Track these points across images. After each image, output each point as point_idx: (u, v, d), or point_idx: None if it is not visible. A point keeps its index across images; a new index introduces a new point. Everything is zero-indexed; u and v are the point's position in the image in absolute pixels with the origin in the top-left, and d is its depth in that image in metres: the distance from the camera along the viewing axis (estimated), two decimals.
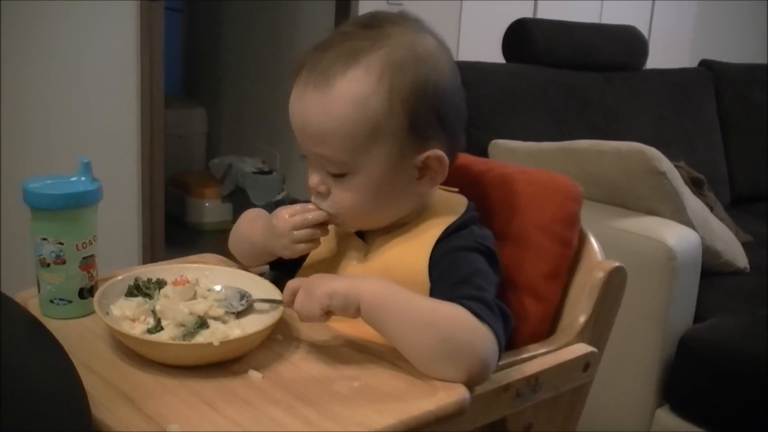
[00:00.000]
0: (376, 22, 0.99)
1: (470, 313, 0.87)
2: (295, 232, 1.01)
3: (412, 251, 1.00)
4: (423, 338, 0.86)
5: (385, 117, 0.94)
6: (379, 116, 0.94)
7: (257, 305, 0.98)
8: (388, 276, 0.95)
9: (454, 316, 0.87)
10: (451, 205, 1.05)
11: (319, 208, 1.01)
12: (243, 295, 0.99)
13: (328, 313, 0.89)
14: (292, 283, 0.92)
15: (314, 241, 1.03)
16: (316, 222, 1.01)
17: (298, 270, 1.10)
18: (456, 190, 1.08)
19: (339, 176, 0.98)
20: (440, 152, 0.98)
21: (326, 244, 1.09)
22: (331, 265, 1.07)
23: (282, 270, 1.13)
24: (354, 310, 0.88)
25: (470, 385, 0.86)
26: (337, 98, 0.94)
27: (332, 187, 0.99)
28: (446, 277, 0.95)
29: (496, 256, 1.01)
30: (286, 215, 1.02)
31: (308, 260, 1.10)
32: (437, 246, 0.99)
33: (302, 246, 1.02)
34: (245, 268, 1.11)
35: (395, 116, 0.94)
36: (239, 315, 0.96)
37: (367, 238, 1.07)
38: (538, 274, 1.09)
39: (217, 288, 1.01)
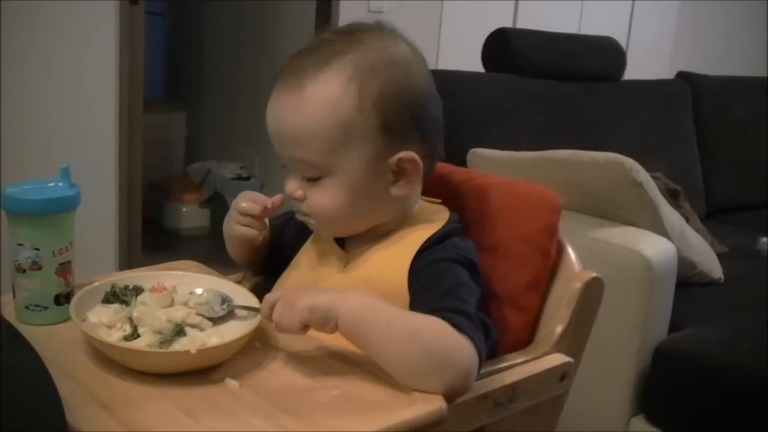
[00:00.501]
0: (352, 30, 1.01)
1: (452, 327, 0.87)
2: (237, 212, 1.09)
3: (393, 261, 1.00)
4: (405, 353, 0.86)
5: (357, 118, 0.95)
6: (351, 117, 0.95)
7: (237, 312, 0.97)
8: (368, 286, 0.96)
9: (437, 329, 0.87)
10: (433, 216, 1.05)
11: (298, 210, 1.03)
12: (224, 300, 0.99)
13: (306, 327, 0.88)
14: (270, 297, 0.91)
15: (252, 227, 1.09)
16: (248, 212, 1.08)
17: (279, 280, 1.10)
18: (439, 201, 1.08)
19: (315, 180, 0.98)
20: (413, 154, 0.99)
21: (306, 254, 1.09)
22: (311, 274, 1.07)
23: (270, 272, 1.14)
24: (332, 326, 0.88)
25: (451, 397, 0.86)
26: (309, 100, 0.95)
27: (308, 191, 1.00)
28: (428, 288, 0.95)
29: (478, 268, 1.01)
30: (240, 197, 1.09)
31: (292, 264, 1.11)
32: (418, 257, 0.99)
33: (240, 228, 1.09)
34: (223, 276, 1.10)
35: (367, 117, 0.95)
36: (217, 322, 0.96)
37: (347, 247, 1.07)
38: (518, 285, 1.09)
39: (199, 291, 1.01)
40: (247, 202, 1.09)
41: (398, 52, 0.99)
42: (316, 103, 0.95)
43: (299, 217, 1.04)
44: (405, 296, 0.97)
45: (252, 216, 1.09)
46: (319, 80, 0.95)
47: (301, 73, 0.96)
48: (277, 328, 0.90)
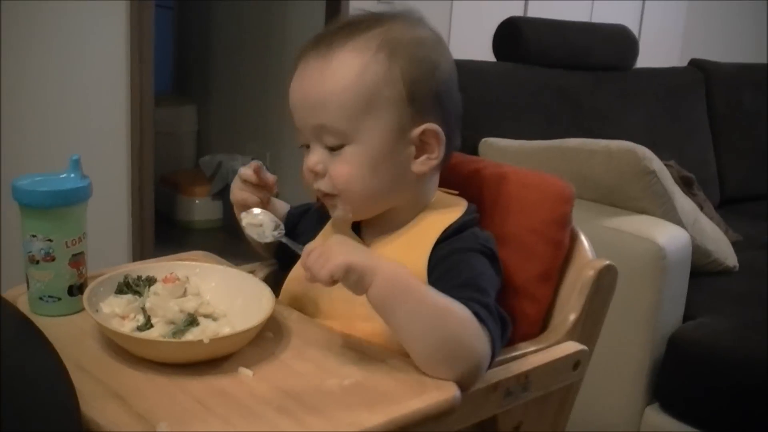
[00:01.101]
0: (380, 12, 1.02)
1: (475, 317, 0.87)
2: (238, 178, 1.09)
3: (411, 251, 1.00)
4: (428, 333, 0.86)
5: (383, 86, 0.96)
6: (377, 84, 0.96)
7: (245, 300, 0.97)
8: None
9: (462, 317, 0.87)
10: (451, 206, 1.05)
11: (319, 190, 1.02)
12: (277, 227, 1.00)
13: (334, 282, 0.87)
14: (311, 245, 0.90)
15: (248, 196, 1.09)
16: (244, 178, 1.09)
17: (293, 269, 1.10)
18: (456, 192, 1.08)
19: (337, 149, 0.98)
20: (436, 126, 0.99)
21: (326, 238, 1.09)
22: None
23: (284, 261, 1.14)
24: (363, 290, 0.87)
25: (459, 386, 0.86)
26: (336, 65, 0.96)
27: (330, 165, 0.99)
28: (448, 278, 0.95)
29: (498, 258, 1.01)
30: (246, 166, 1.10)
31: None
32: (437, 247, 0.99)
33: (240, 193, 1.09)
34: (236, 266, 1.11)
35: (393, 86, 0.96)
36: (229, 312, 0.95)
37: (364, 238, 1.07)
38: (531, 276, 1.09)
39: (256, 211, 1.04)
40: (247, 169, 1.09)
41: (426, 33, 1.02)
42: (343, 67, 0.96)
43: (319, 195, 1.03)
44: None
45: (250, 183, 1.09)
46: (347, 48, 0.97)
47: (329, 42, 0.98)
48: (306, 275, 0.89)
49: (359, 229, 1.08)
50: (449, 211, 1.04)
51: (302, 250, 0.91)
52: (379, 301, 0.87)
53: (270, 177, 1.10)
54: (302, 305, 1.06)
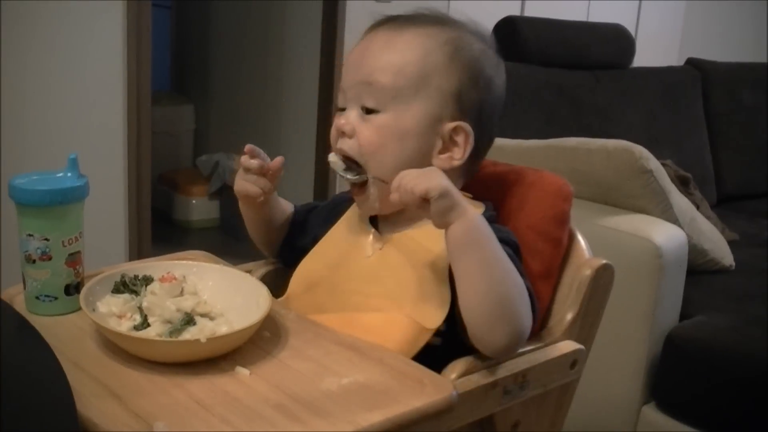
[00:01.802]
0: (460, 20, 1.09)
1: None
2: (242, 168, 1.07)
3: (434, 244, 1.00)
4: (494, 288, 0.88)
5: (438, 74, 1.01)
6: (434, 70, 1.01)
7: (243, 300, 0.96)
8: (405, 268, 0.99)
9: (520, 283, 0.91)
10: (473, 203, 1.07)
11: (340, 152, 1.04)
12: (347, 168, 1.03)
13: (423, 202, 0.89)
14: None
15: (256, 184, 1.07)
16: (247, 167, 1.06)
17: (305, 256, 1.11)
18: (470, 196, 1.09)
19: (371, 113, 1.01)
20: (469, 126, 1.02)
21: (338, 232, 1.10)
22: (342, 253, 1.08)
23: (289, 259, 1.15)
24: (446, 221, 0.89)
25: (499, 352, 0.91)
26: (406, 39, 1.02)
27: (359, 127, 1.02)
28: None
29: (520, 250, 1.03)
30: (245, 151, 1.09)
31: (318, 246, 1.11)
32: None
33: (244, 184, 1.07)
34: (233, 266, 1.11)
35: (447, 78, 1.01)
36: (226, 311, 0.95)
37: (382, 233, 1.08)
38: (531, 275, 1.08)
39: (332, 157, 1.05)
40: (247, 159, 1.07)
41: (491, 53, 1.08)
42: (411, 43, 1.01)
43: (337, 153, 1.04)
44: (443, 280, 0.97)
45: (253, 172, 1.07)
46: (420, 31, 1.03)
47: (404, 21, 1.04)
48: (398, 186, 0.90)
49: (377, 226, 1.09)
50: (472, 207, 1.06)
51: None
52: (458, 240, 0.89)
53: (276, 160, 1.08)
54: (315, 294, 1.07)
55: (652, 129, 2.84)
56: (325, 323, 0.99)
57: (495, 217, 1.06)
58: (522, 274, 0.96)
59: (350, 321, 0.99)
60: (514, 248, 1.01)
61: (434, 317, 0.95)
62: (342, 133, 1.03)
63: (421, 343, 0.96)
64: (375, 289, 1.01)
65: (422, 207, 0.89)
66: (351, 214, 1.13)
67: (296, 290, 1.09)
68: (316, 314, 1.03)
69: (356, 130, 1.02)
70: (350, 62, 1.05)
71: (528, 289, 0.95)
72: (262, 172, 1.07)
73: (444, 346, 0.97)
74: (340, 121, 1.03)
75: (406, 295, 0.98)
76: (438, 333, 0.97)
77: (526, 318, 0.91)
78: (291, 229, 1.19)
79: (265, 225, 1.17)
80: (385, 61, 1.01)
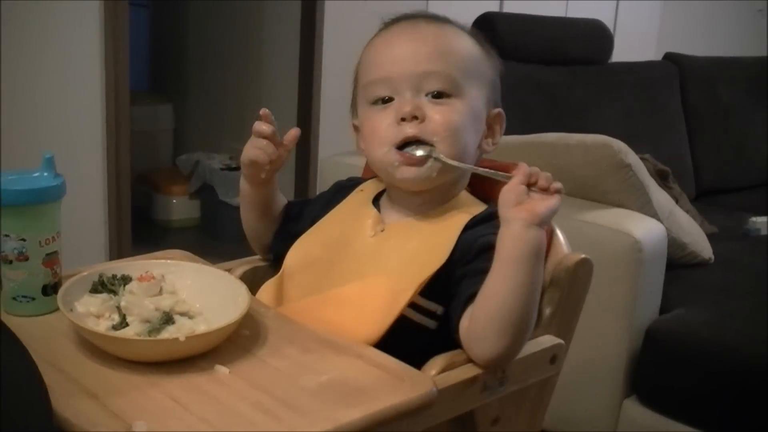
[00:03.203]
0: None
1: None
2: (253, 134, 1.08)
3: (437, 234, 1.02)
4: (530, 300, 0.90)
5: (484, 63, 1.10)
6: (482, 58, 1.10)
7: (221, 298, 0.96)
8: (405, 253, 1.01)
9: (536, 309, 0.93)
10: (477, 203, 1.09)
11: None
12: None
13: (521, 197, 0.91)
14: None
15: (265, 151, 1.07)
16: (261, 133, 1.07)
17: (304, 234, 1.12)
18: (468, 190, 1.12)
19: (439, 97, 1.03)
20: (503, 112, 1.12)
21: (340, 214, 1.12)
22: (342, 233, 1.09)
23: (282, 248, 1.14)
24: (541, 221, 0.90)
25: (489, 362, 0.92)
26: (455, 30, 1.09)
27: (430, 111, 1.03)
28: (489, 258, 0.95)
29: None
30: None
31: (317, 226, 1.12)
32: (465, 232, 1.02)
33: (253, 150, 1.08)
34: (212, 264, 1.10)
35: (489, 66, 1.10)
36: (205, 310, 0.95)
37: (384, 219, 1.09)
38: None
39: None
40: (260, 124, 1.08)
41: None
42: (460, 34, 1.09)
43: (410, 135, 1.03)
44: (437, 264, 0.98)
45: (265, 137, 1.07)
46: (454, 26, 1.10)
47: (437, 17, 1.10)
48: (531, 174, 0.92)
49: (378, 210, 1.11)
50: (475, 205, 1.09)
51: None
52: (530, 249, 0.90)
53: (292, 132, 1.10)
54: (311, 273, 1.07)
55: (631, 124, 2.86)
56: (306, 306, 1.01)
57: (495, 215, 1.07)
58: None
59: (330, 298, 1.01)
60: None
61: (417, 276, 0.98)
62: (412, 118, 1.02)
63: (401, 305, 0.97)
64: (373, 268, 1.03)
65: (520, 199, 0.91)
66: (353, 198, 1.15)
67: (292, 268, 1.09)
68: (305, 297, 1.04)
69: (426, 114, 1.02)
70: (394, 54, 1.05)
71: None
72: (273, 139, 1.07)
73: (439, 330, 0.99)
74: (408, 106, 1.02)
75: (404, 275, 0.99)
76: (433, 316, 0.98)
77: (525, 339, 0.93)
78: (285, 219, 1.20)
79: (261, 207, 1.18)
80: (450, 49, 1.05)
